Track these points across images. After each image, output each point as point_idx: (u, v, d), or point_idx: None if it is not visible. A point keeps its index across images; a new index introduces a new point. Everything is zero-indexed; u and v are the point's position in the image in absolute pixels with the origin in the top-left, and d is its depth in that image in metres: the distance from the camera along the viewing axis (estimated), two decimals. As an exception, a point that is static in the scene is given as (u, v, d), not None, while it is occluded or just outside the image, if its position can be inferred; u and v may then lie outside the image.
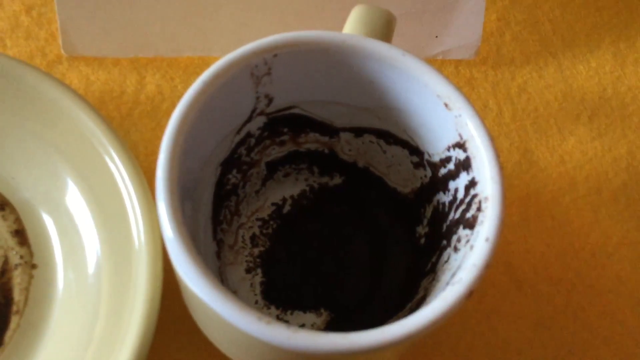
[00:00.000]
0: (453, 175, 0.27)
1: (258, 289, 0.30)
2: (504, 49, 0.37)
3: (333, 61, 0.27)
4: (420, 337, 0.23)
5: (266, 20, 0.35)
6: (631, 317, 0.33)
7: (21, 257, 0.31)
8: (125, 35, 0.35)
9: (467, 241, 0.25)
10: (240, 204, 0.31)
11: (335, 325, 0.29)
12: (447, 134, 0.26)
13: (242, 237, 0.31)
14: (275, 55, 0.26)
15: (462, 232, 0.26)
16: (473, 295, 0.23)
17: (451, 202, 0.27)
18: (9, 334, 0.30)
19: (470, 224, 0.25)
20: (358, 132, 0.30)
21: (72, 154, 0.31)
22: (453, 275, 0.24)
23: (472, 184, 0.26)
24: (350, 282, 0.30)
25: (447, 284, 0.24)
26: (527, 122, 0.36)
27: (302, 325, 0.29)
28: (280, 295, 0.30)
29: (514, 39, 0.38)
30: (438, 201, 0.28)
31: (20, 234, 0.31)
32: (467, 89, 0.36)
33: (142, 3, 0.34)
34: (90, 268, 0.30)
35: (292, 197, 0.31)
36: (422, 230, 0.30)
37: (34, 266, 0.31)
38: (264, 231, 0.31)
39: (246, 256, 0.30)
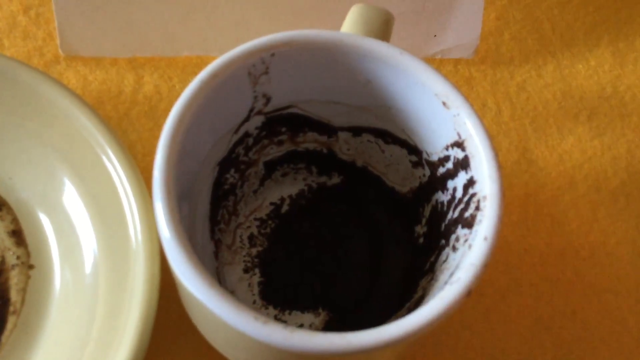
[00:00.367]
0: (452, 174, 0.27)
1: (256, 289, 0.30)
2: (503, 48, 0.37)
3: (331, 60, 0.27)
4: (418, 337, 0.23)
5: (264, 20, 0.34)
6: (630, 316, 0.32)
7: (18, 257, 0.31)
8: (123, 35, 0.35)
9: (466, 240, 0.25)
10: (238, 203, 0.31)
11: (333, 325, 0.29)
12: (446, 133, 0.26)
13: (240, 237, 0.30)
14: (272, 55, 0.26)
15: (461, 231, 0.26)
16: (472, 294, 0.23)
17: (450, 202, 0.27)
18: (6, 334, 0.30)
19: (469, 223, 0.25)
20: (356, 131, 0.30)
21: (69, 154, 0.31)
22: (451, 274, 0.24)
23: (470, 183, 0.25)
24: (348, 281, 0.30)
25: (446, 283, 0.23)
26: (526, 121, 0.36)
27: (301, 326, 0.29)
28: (279, 295, 0.30)
29: (513, 38, 0.38)
30: (437, 200, 0.28)
31: (18, 235, 0.31)
32: (466, 88, 0.36)
33: (139, 3, 0.34)
34: (88, 268, 0.30)
35: (290, 196, 0.31)
36: (420, 229, 0.30)
37: (31, 266, 0.31)
38: (262, 231, 0.31)
39: (244, 256, 0.30)
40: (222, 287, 0.23)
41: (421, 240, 0.30)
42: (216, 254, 0.30)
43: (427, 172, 0.29)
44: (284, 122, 0.29)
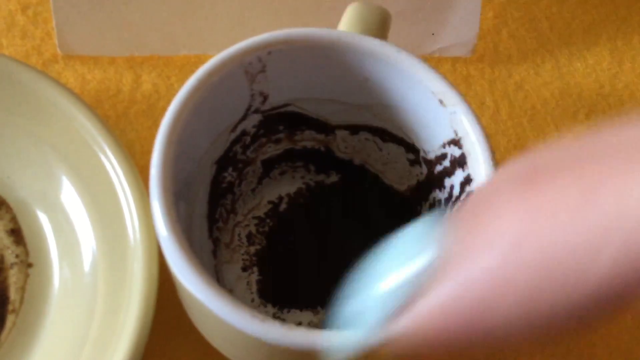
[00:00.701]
0: (448, 172, 0.27)
1: (254, 287, 0.30)
2: (501, 46, 0.37)
3: (328, 58, 0.27)
4: (415, 335, 0.23)
5: (262, 18, 0.35)
6: (629, 315, 0.32)
7: (17, 256, 0.31)
8: (121, 34, 0.35)
9: (463, 238, 0.25)
10: (236, 202, 0.31)
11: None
12: (442, 131, 0.26)
13: (239, 235, 0.31)
14: (269, 53, 0.26)
15: (458, 229, 0.26)
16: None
17: (447, 199, 0.27)
18: (5, 332, 0.30)
19: (466, 221, 0.25)
20: (354, 129, 0.30)
21: (68, 153, 0.31)
22: (448, 272, 0.24)
23: (467, 181, 0.26)
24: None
25: (442, 281, 0.23)
26: (524, 119, 0.36)
27: (299, 324, 0.29)
28: (277, 293, 0.30)
29: (511, 36, 0.38)
30: (434, 198, 0.29)
31: (16, 233, 0.31)
32: (463, 86, 0.36)
33: (137, 2, 0.34)
34: (86, 267, 0.30)
35: (288, 195, 0.31)
36: (418, 227, 0.30)
37: (29, 265, 0.31)
38: (260, 229, 0.31)
39: (242, 254, 0.30)
40: (220, 285, 0.23)
41: (419, 238, 0.30)
42: (214, 253, 0.30)
43: (425, 170, 0.29)
44: (282, 121, 0.29)
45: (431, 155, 0.28)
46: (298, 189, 0.32)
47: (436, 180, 0.28)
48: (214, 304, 0.22)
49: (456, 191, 0.27)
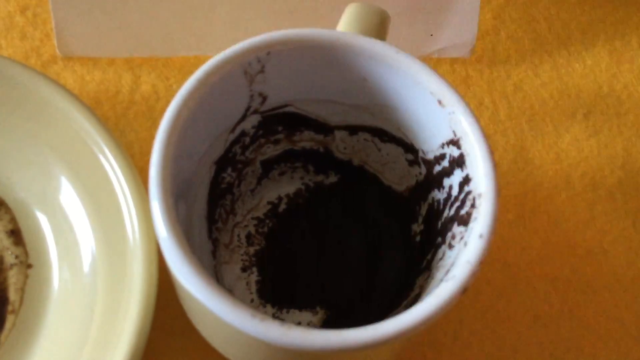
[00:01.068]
0: (447, 172, 0.27)
1: (254, 288, 0.30)
2: (500, 47, 0.37)
3: (327, 59, 0.27)
4: (414, 334, 0.23)
5: (261, 19, 0.35)
6: (627, 314, 0.33)
7: (16, 256, 0.31)
8: (120, 35, 0.35)
9: (462, 238, 0.25)
10: (236, 202, 0.31)
11: (331, 323, 0.29)
12: (441, 131, 0.26)
13: (238, 235, 0.31)
14: (268, 53, 0.26)
15: (457, 229, 0.26)
16: (467, 291, 0.23)
17: (446, 199, 0.27)
18: (4, 333, 0.30)
19: (465, 221, 0.25)
20: (353, 130, 0.30)
21: (67, 154, 0.31)
22: (447, 272, 0.24)
23: (466, 180, 0.26)
24: (346, 280, 0.30)
25: (441, 280, 0.24)
26: (523, 120, 0.36)
27: (298, 324, 0.29)
28: (276, 293, 0.30)
29: (510, 37, 0.38)
30: (433, 198, 0.29)
31: (16, 234, 0.31)
32: (462, 87, 0.36)
33: (136, 3, 0.34)
34: (86, 267, 0.30)
35: (287, 195, 0.31)
36: (417, 227, 0.30)
37: (29, 266, 0.31)
38: (260, 230, 0.31)
39: (242, 255, 0.30)
40: (219, 285, 0.23)
41: (418, 238, 0.30)
42: (214, 253, 0.30)
43: (423, 170, 0.29)
44: (281, 121, 0.29)
45: (430, 156, 0.28)
46: (297, 190, 0.32)
47: (435, 181, 0.28)
48: (214, 303, 0.22)
49: (455, 191, 0.27)
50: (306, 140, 0.31)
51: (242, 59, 0.26)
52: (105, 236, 0.30)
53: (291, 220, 0.31)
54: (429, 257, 0.28)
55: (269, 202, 0.31)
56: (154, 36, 0.35)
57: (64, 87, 0.31)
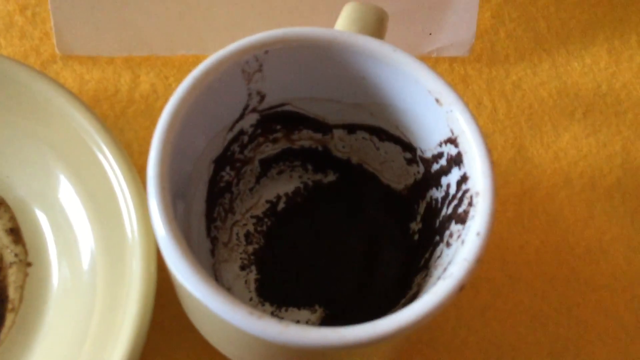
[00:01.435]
0: (445, 170, 0.27)
1: (252, 286, 0.30)
2: (498, 46, 0.37)
3: (324, 57, 0.27)
4: (412, 332, 0.23)
5: (260, 18, 0.35)
6: (626, 313, 0.33)
7: (16, 255, 0.31)
8: (119, 34, 0.35)
9: (459, 236, 0.25)
10: (234, 201, 0.31)
11: (329, 321, 0.29)
12: (439, 130, 0.26)
13: (237, 234, 0.31)
14: (266, 52, 0.26)
15: (454, 227, 0.26)
16: (465, 289, 0.23)
17: (444, 198, 0.27)
18: (4, 331, 0.30)
19: (462, 219, 0.25)
20: (351, 128, 0.30)
21: (66, 153, 0.31)
22: (445, 270, 0.24)
23: (463, 179, 0.26)
24: (344, 278, 0.30)
25: (439, 278, 0.24)
26: (522, 118, 0.36)
27: (297, 322, 0.29)
28: (275, 292, 0.30)
29: (508, 36, 0.38)
30: (431, 197, 0.29)
31: (15, 232, 0.31)
32: (461, 86, 0.36)
33: (135, 2, 0.34)
34: (85, 265, 0.30)
35: (286, 194, 0.31)
36: (415, 226, 0.30)
37: (28, 264, 0.31)
38: (258, 228, 0.31)
39: (240, 253, 0.30)
40: (218, 284, 0.23)
41: (416, 236, 0.30)
42: (212, 252, 0.30)
43: (422, 168, 0.29)
44: (279, 120, 0.29)
45: (428, 154, 0.28)
46: (296, 188, 0.32)
47: (433, 179, 0.28)
48: (212, 302, 0.22)
49: (452, 189, 0.27)
50: (305, 139, 0.31)
51: (240, 57, 0.26)
52: (104, 234, 0.30)
53: (290, 219, 0.31)
54: (427, 255, 0.28)
55: (267, 201, 0.31)
56: (153, 35, 0.35)
57: (63, 86, 0.31)
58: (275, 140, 0.30)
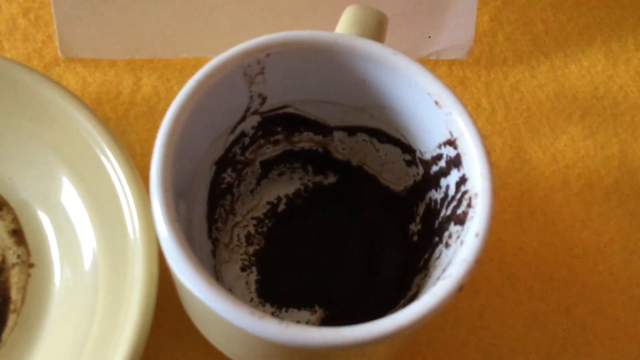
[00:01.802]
0: (444, 172, 0.27)
1: (253, 287, 0.30)
2: (497, 49, 0.38)
3: (325, 60, 0.27)
4: (411, 332, 0.23)
5: (261, 21, 0.35)
6: (623, 313, 0.33)
7: (18, 256, 0.31)
8: (121, 37, 0.35)
9: (458, 237, 0.25)
10: (235, 202, 0.31)
11: (329, 322, 0.30)
12: (438, 132, 0.27)
13: (238, 235, 0.31)
14: (268, 55, 0.26)
15: (453, 228, 0.26)
16: (463, 290, 0.23)
17: (443, 199, 0.28)
18: (6, 332, 0.30)
19: (461, 220, 0.25)
20: (351, 130, 0.30)
21: (68, 155, 0.31)
22: (444, 270, 0.24)
23: (462, 180, 0.26)
24: (344, 279, 0.30)
25: (438, 279, 0.24)
26: (520, 121, 0.36)
27: (297, 323, 0.29)
28: (275, 293, 0.30)
29: (507, 39, 0.38)
30: (430, 198, 0.29)
31: (18, 234, 0.31)
32: (460, 88, 0.37)
33: (138, 5, 0.34)
34: (87, 266, 0.30)
35: (286, 195, 0.32)
36: (415, 227, 0.30)
37: (31, 265, 0.31)
38: (259, 230, 0.31)
39: (241, 254, 0.30)
40: (219, 284, 0.23)
41: (415, 237, 0.30)
42: (214, 253, 0.30)
43: (421, 170, 0.29)
44: (280, 122, 0.30)
45: (427, 156, 0.28)
46: (296, 190, 0.32)
47: (432, 180, 0.28)
48: (214, 301, 0.23)
49: (452, 191, 0.27)
50: (305, 141, 0.31)
51: (242, 60, 0.26)
52: (107, 236, 0.30)
53: (290, 220, 0.31)
54: (426, 256, 0.28)
55: (268, 202, 0.31)
56: (155, 38, 0.35)
57: (65, 89, 0.31)
58: (276, 142, 0.31)
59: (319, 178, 0.32)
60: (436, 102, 0.26)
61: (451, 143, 0.26)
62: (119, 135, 0.34)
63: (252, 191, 0.31)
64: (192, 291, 0.23)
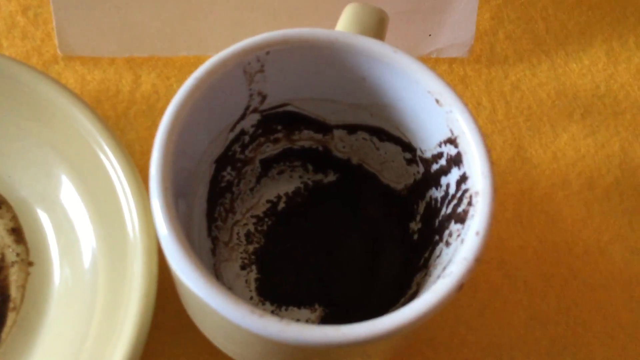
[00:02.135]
0: (445, 170, 0.27)
1: (253, 286, 0.30)
2: (498, 47, 0.38)
3: (325, 58, 0.27)
4: (412, 330, 0.23)
5: (261, 19, 0.35)
6: (624, 312, 0.33)
7: (18, 254, 0.31)
8: (120, 35, 0.35)
9: (458, 235, 0.25)
10: (235, 201, 0.31)
11: (329, 320, 0.30)
12: (439, 130, 0.27)
13: (237, 234, 0.31)
14: (267, 53, 0.26)
15: (454, 226, 0.26)
16: (464, 288, 0.23)
17: (443, 198, 0.28)
18: (5, 330, 0.30)
19: (462, 219, 0.25)
20: (351, 129, 0.30)
21: (68, 153, 0.31)
22: (444, 269, 0.24)
23: (463, 179, 0.26)
24: (344, 278, 0.30)
25: (439, 277, 0.24)
26: (521, 119, 0.36)
27: (297, 321, 0.29)
28: (275, 291, 0.30)
29: (507, 37, 0.38)
30: (430, 197, 0.29)
31: (17, 232, 0.31)
32: (460, 87, 0.36)
33: (137, 3, 0.34)
34: (86, 265, 0.30)
35: (286, 194, 0.32)
36: (415, 226, 0.30)
37: (30, 263, 0.31)
38: (259, 228, 0.31)
39: (241, 253, 0.30)
40: (219, 282, 0.23)
41: (416, 236, 0.30)
42: (213, 251, 0.30)
43: (421, 169, 0.29)
44: (280, 120, 0.30)
45: (427, 154, 0.28)
46: (296, 188, 0.32)
47: (432, 179, 0.28)
48: (213, 300, 0.23)
49: (452, 189, 0.27)
50: (305, 139, 0.31)
51: (242, 58, 0.26)
52: (106, 234, 0.30)
53: (290, 218, 0.31)
54: (426, 254, 0.28)
55: (268, 201, 0.31)
56: (155, 36, 0.35)
57: (65, 87, 0.31)
58: (276, 141, 0.31)
59: (319, 176, 0.32)
60: (437, 100, 0.26)
61: (452, 141, 0.26)
62: (118, 133, 0.34)
63: (252, 189, 0.31)
64: (192, 289, 0.23)
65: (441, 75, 0.27)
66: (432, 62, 0.37)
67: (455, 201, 0.26)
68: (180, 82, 0.35)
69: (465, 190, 0.25)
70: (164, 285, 0.29)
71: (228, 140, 0.29)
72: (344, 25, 0.28)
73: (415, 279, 0.29)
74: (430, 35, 0.36)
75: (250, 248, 0.31)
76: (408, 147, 0.29)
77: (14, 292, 0.31)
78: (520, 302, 0.33)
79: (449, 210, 0.27)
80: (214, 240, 0.30)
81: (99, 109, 0.35)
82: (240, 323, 0.22)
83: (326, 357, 0.24)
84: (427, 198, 0.29)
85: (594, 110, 0.37)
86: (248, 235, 0.31)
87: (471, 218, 0.24)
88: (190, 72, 0.26)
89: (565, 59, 0.38)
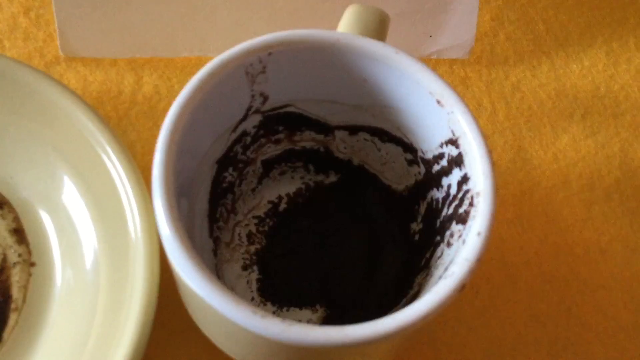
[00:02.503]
0: (446, 171, 0.27)
1: (254, 286, 0.30)
2: (498, 48, 0.38)
3: (327, 59, 0.27)
4: (413, 331, 0.23)
5: (262, 20, 0.35)
6: (624, 313, 0.33)
7: (20, 255, 0.31)
8: (122, 36, 0.35)
9: (460, 236, 0.25)
10: (237, 201, 0.31)
11: (330, 321, 0.30)
12: (440, 131, 0.27)
13: (239, 234, 0.31)
14: (269, 54, 0.26)
15: (455, 227, 0.26)
16: (465, 289, 0.23)
17: (444, 198, 0.28)
18: (7, 331, 0.30)
19: (463, 219, 0.25)
20: (353, 130, 0.30)
21: (70, 153, 0.31)
22: (446, 269, 0.24)
23: (464, 179, 0.26)
24: (345, 278, 0.30)
25: (440, 278, 0.24)
26: (521, 120, 0.36)
27: (298, 322, 0.29)
28: (277, 292, 0.30)
29: (508, 38, 0.38)
30: (432, 197, 0.29)
31: (19, 233, 0.31)
32: (461, 88, 0.37)
33: (139, 4, 0.34)
34: (88, 265, 0.30)
35: (288, 195, 0.32)
36: (416, 226, 0.30)
37: (32, 264, 0.31)
38: (260, 229, 0.31)
39: (242, 253, 0.31)
40: (221, 283, 0.23)
41: (417, 237, 0.30)
42: (215, 252, 0.30)
43: (422, 169, 0.29)
44: (281, 121, 0.30)
45: (429, 155, 0.28)
46: (297, 189, 0.32)
47: (434, 180, 0.28)
48: (215, 300, 0.23)
49: (453, 190, 0.27)
50: (307, 140, 0.31)
51: (244, 59, 0.26)
52: (108, 234, 0.30)
53: (291, 219, 0.31)
54: (427, 255, 0.28)
55: (269, 201, 0.32)
56: (156, 37, 0.35)
57: (67, 88, 0.31)
58: (277, 141, 0.31)
59: (320, 177, 0.32)
60: (438, 101, 0.26)
61: (453, 142, 0.26)
62: (120, 134, 0.34)
63: (253, 190, 0.31)
64: (194, 290, 0.23)
65: (442, 77, 0.27)
66: (432, 63, 0.37)
67: (456, 202, 0.26)
68: (182, 83, 0.35)
69: (467, 191, 0.25)
70: (166, 286, 0.29)
71: (230, 141, 0.29)
72: (345, 27, 0.28)
73: (416, 279, 0.29)
74: (430, 36, 0.36)
75: (252, 249, 0.31)
76: (409, 148, 0.29)
77: (16, 292, 0.31)
78: (520, 302, 0.33)
79: (450, 210, 0.27)
80: (216, 240, 0.30)
81: (100, 110, 0.35)
82: (242, 324, 0.22)
83: (327, 358, 0.24)
84: (428, 199, 0.29)
85: (594, 111, 0.37)
86: (249, 235, 0.31)
87: (472, 218, 0.24)
88: (192, 73, 0.26)
89: (566, 60, 0.38)
